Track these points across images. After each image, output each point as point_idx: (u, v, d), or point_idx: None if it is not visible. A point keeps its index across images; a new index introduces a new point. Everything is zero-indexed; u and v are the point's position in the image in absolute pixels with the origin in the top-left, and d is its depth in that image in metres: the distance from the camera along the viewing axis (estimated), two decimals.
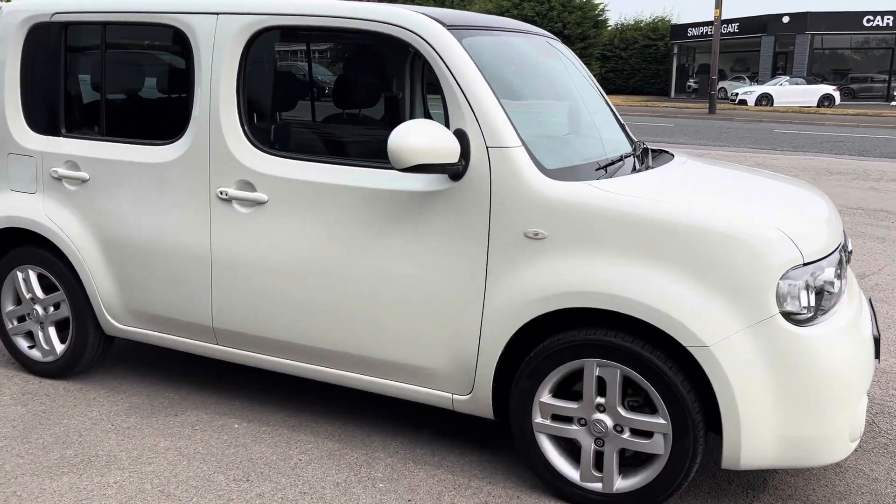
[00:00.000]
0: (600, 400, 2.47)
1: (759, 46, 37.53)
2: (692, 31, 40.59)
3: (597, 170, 2.69)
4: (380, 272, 2.72)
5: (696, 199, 2.46)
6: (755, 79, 36.88)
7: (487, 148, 2.53)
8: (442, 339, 2.67)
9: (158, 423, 3.15)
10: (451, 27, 2.69)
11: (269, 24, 2.88)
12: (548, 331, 2.60)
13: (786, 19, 35.83)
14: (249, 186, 2.92)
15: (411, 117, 3.71)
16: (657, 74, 43.73)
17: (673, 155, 3.27)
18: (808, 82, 31.55)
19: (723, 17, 29.70)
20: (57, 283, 3.42)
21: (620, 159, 2.91)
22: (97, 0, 3.23)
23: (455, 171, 2.54)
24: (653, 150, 3.30)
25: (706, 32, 37.08)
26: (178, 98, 3.14)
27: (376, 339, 2.78)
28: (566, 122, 3.25)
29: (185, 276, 3.09)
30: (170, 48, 3.23)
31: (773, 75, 35.36)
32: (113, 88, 3.27)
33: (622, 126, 3.43)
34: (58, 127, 3.35)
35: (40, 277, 3.50)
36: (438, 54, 2.61)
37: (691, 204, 2.40)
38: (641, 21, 45.28)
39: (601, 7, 38.56)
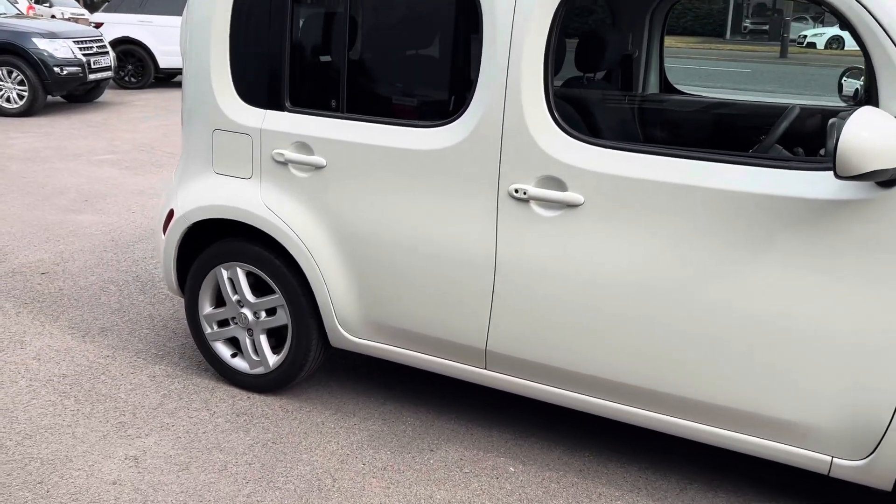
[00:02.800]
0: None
1: None
2: None
3: None
4: (759, 299, 2.12)
5: None
6: (819, 19, 35.10)
7: None
8: (835, 389, 2.09)
9: (416, 462, 2.64)
10: None
11: None
12: None
13: None
14: (557, 184, 2.32)
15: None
16: (710, 14, 41.87)
17: None
18: None
19: None
20: (273, 286, 2.87)
21: None
22: None
23: (892, 177, 1.91)
24: None
25: None
26: (454, 66, 2.52)
27: (732, 382, 2.21)
28: None
29: (455, 289, 2.53)
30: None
31: None
32: (359, 52, 2.66)
33: None
34: (281, 100, 2.75)
35: (248, 276, 2.96)
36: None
37: None
38: None
39: None
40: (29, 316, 3.69)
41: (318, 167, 2.68)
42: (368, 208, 2.62)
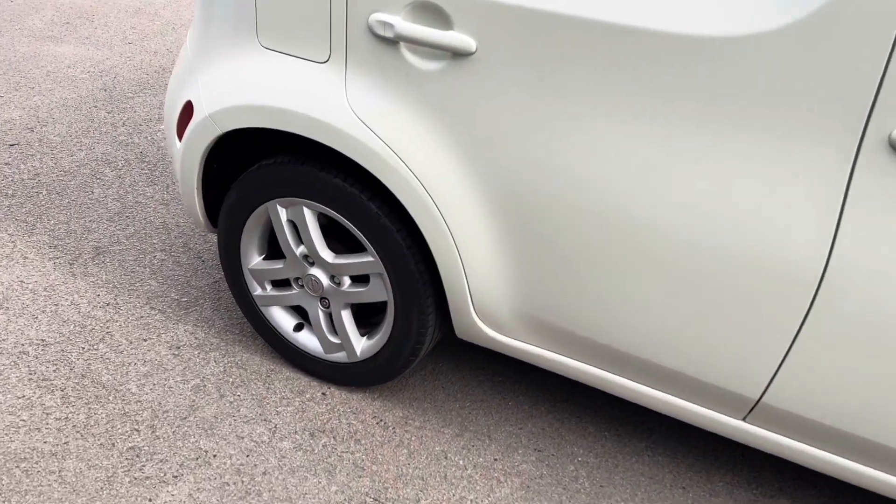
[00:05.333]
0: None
1: None
2: None
3: None
4: None
5: None
6: None
7: None
8: None
9: None
10: None
11: None
12: None
13: None
14: None
15: None
16: None
17: None
18: None
19: None
20: (365, 242, 1.74)
21: None
22: None
23: None
24: None
25: None
26: None
27: None
28: None
29: (729, 307, 1.39)
30: None
31: None
32: None
33: None
34: None
35: (319, 218, 1.82)
36: None
37: None
38: None
39: None
40: None
41: (460, 53, 1.44)
42: (557, 147, 1.42)
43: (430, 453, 1.84)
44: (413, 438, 1.87)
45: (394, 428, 1.90)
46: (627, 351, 1.56)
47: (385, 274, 1.76)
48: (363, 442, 1.86)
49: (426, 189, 1.57)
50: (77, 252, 2.46)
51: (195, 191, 1.93)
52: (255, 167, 1.81)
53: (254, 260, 1.97)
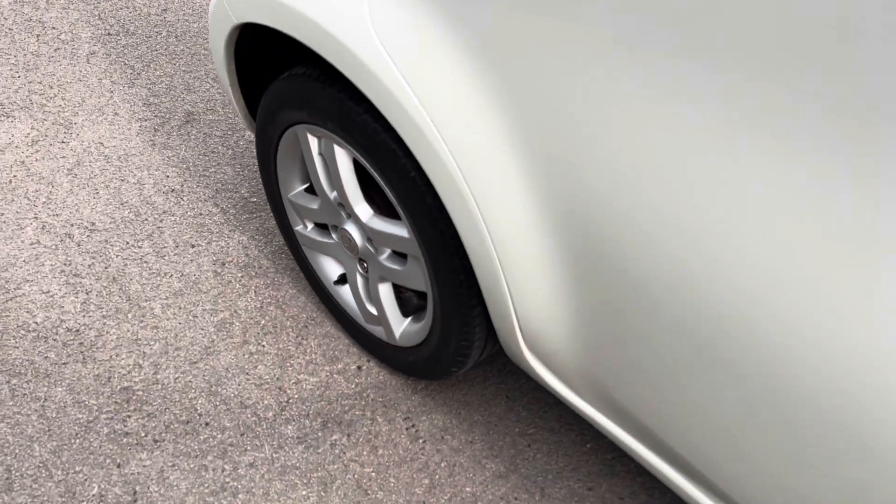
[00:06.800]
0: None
1: None
2: None
3: None
4: None
5: None
6: None
7: None
8: None
9: None
10: None
11: None
12: None
13: None
14: None
15: None
16: None
17: None
18: None
19: None
20: (400, 210, 1.21)
21: None
22: None
23: None
24: None
25: None
26: None
27: None
28: None
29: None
30: None
31: None
32: None
33: None
34: None
35: (357, 166, 1.31)
36: None
37: None
38: None
39: None
40: None
41: None
42: (676, 162, 0.77)
43: (456, 493, 1.39)
44: (443, 464, 1.43)
45: (425, 441, 1.46)
46: (705, 473, 0.96)
47: (422, 258, 1.24)
48: (380, 452, 1.44)
49: (462, 174, 1.00)
50: (168, 115, 2.17)
51: (229, 86, 1.49)
52: (285, 75, 1.31)
53: (294, 188, 1.52)
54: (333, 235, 1.49)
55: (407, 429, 1.48)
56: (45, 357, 1.59)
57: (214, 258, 1.79)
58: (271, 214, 1.90)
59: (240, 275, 1.76)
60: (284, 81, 1.31)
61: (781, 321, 0.75)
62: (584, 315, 0.99)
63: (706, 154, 0.74)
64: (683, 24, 0.71)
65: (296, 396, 1.53)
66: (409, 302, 1.42)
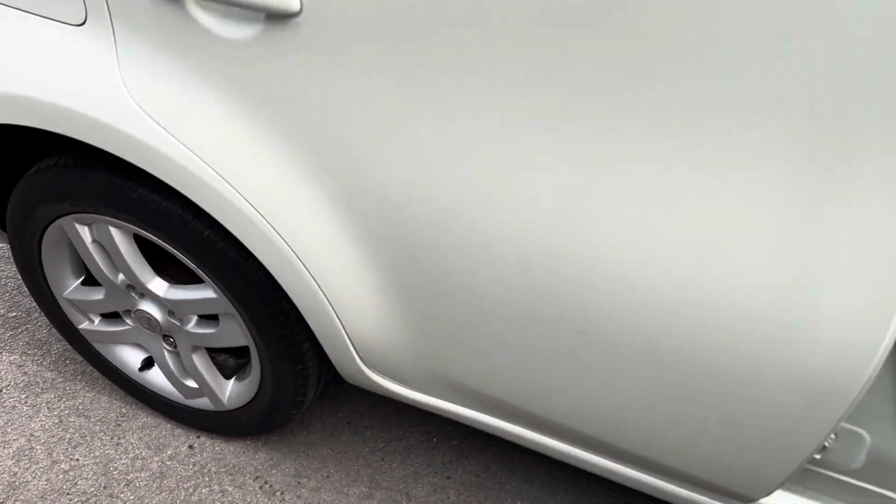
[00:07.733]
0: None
1: None
2: None
3: None
4: None
5: None
6: None
7: None
8: None
9: None
10: None
11: None
12: None
13: None
14: None
15: None
16: None
17: None
18: None
19: None
20: (202, 273, 1.21)
21: None
22: None
23: None
24: None
25: None
26: None
27: None
28: None
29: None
30: None
31: None
32: None
33: None
34: None
35: (137, 240, 1.28)
36: None
37: None
38: None
39: None
40: None
41: (282, 14, 0.86)
42: (430, 155, 0.88)
43: None
44: None
45: (282, 493, 1.45)
46: (550, 418, 1.09)
47: (237, 316, 1.24)
48: None
49: (261, 214, 1.03)
50: None
51: None
52: (34, 169, 1.24)
53: (69, 286, 1.43)
54: (128, 321, 1.42)
55: (260, 487, 1.46)
56: None
57: None
58: (39, 324, 1.75)
59: (23, 396, 1.60)
60: (35, 177, 1.23)
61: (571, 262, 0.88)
62: (415, 317, 1.07)
63: (488, 147, 0.86)
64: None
65: (131, 498, 1.43)
66: (225, 364, 1.41)
